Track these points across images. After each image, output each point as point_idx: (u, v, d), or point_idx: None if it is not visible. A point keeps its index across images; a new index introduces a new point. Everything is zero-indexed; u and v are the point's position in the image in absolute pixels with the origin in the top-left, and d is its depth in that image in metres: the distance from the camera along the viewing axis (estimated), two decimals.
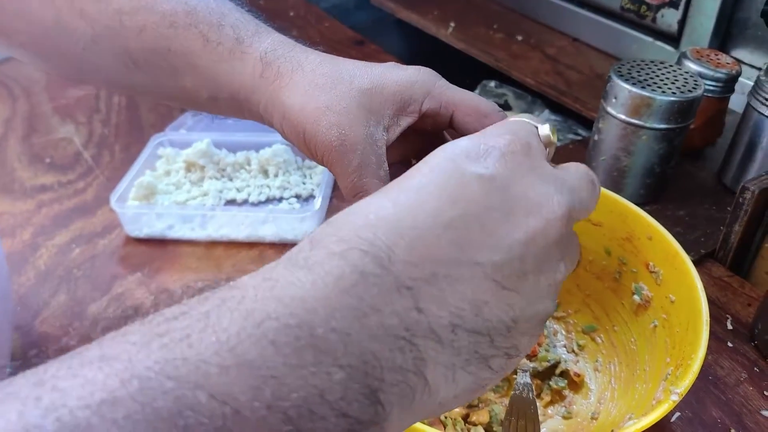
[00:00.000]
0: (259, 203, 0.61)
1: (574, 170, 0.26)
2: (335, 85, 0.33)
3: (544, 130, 0.27)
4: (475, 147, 0.24)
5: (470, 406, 0.43)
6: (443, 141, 0.37)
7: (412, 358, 0.21)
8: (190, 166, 0.62)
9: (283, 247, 0.57)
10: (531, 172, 0.24)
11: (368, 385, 0.20)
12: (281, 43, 0.35)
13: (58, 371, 0.17)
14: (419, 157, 0.37)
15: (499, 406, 0.42)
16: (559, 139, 0.73)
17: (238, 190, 0.61)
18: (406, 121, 0.34)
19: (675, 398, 0.33)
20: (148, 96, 0.39)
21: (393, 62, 0.35)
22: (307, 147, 0.33)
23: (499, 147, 0.24)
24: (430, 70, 0.35)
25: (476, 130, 0.33)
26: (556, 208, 0.23)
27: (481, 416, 0.41)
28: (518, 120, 0.27)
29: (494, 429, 0.41)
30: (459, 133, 0.34)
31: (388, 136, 0.33)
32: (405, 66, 0.35)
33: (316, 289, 0.20)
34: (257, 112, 0.35)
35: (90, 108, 0.78)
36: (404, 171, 0.35)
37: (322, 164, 0.33)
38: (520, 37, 0.88)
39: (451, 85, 0.35)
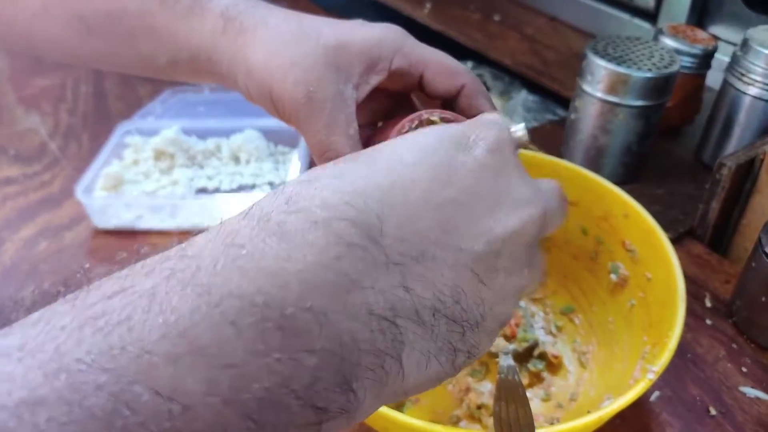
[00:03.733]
0: (231, 191, 0.59)
1: (547, 182, 0.27)
2: (301, 41, 0.31)
3: (520, 130, 0.27)
4: (464, 135, 0.23)
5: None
6: (411, 103, 0.36)
7: (391, 341, 0.19)
8: (159, 155, 0.61)
9: None
10: (515, 169, 0.24)
11: (342, 372, 0.18)
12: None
13: None
14: (386, 118, 0.36)
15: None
16: (536, 120, 0.72)
17: (209, 178, 0.60)
18: (375, 80, 0.32)
19: (651, 376, 0.32)
20: (103, 65, 0.37)
21: (360, 20, 0.34)
22: (273, 105, 0.32)
23: (487, 139, 0.24)
24: (399, 27, 0.34)
25: (446, 89, 0.33)
26: (534, 211, 0.24)
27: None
28: (496, 117, 0.27)
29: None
30: (428, 92, 0.34)
31: (357, 94, 0.32)
32: (373, 23, 0.33)
33: (293, 262, 0.17)
34: (219, 72, 0.33)
35: (56, 97, 0.76)
36: (371, 133, 0.34)
37: (289, 123, 0.32)
38: (497, 17, 0.87)
39: (420, 43, 0.33)
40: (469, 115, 0.33)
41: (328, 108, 0.31)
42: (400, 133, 0.32)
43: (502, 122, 0.26)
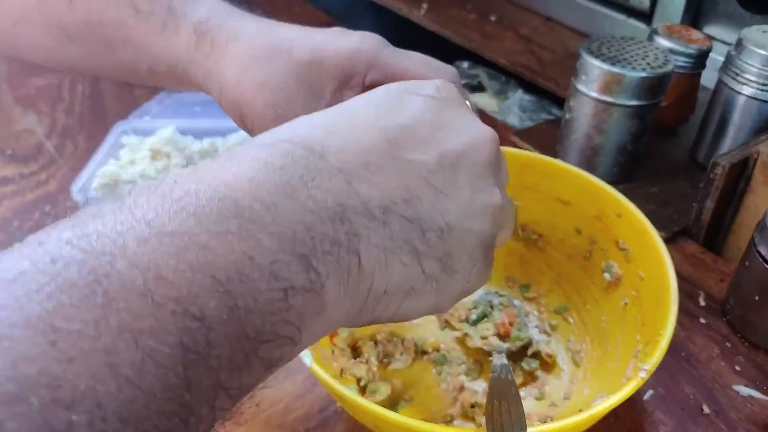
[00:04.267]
0: None
1: None
2: (272, 58, 0.31)
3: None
4: (414, 84, 0.26)
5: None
6: None
7: (344, 232, 0.21)
8: (155, 155, 0.61)
9: None
10: (462, 106, 0.26)
11: (300, 253, 0.19)
12: (216, 11, 0.33)
13: None
14: None
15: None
16: (532, 120, 0.72)
17: None
18: (349, 95, 0.32)
19: (643, 375, 0.32)
20: (86, 72, 0.38)
21: (338, 28, 0.33)
22: (244, 125, 0.32)
23: (436, 82, 0.26)
24: (376, 36, 0.33)
25: None
26: (487, 132, 0.26)
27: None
28: None
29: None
30: None
31: None
32: (349, 32, 0.33)
33: (243, 171, 0.19)
34: (197, 85, 0.33)
35: (53, 97, 0.76)
36: None
37: None
38: (493, 18, 0.87)
39: (398, 52, 0.33)
40: None
41: None
42: None
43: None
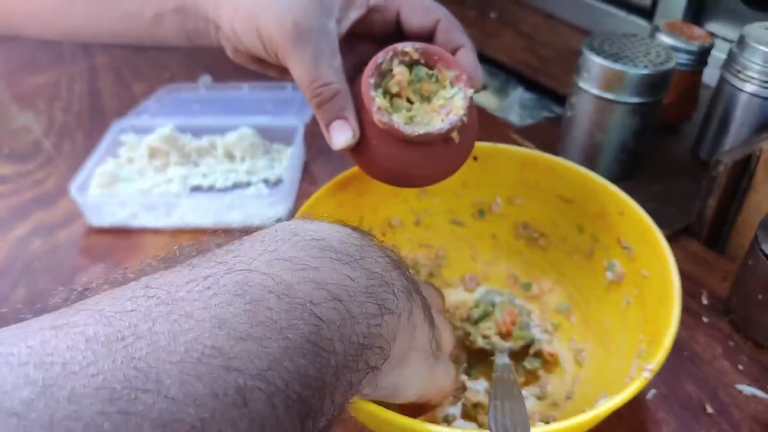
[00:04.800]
0: (226, 189, 0.59)
1: None
2: None
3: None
4: None
5: None
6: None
7: (407, 280, 0.26)
8: (153, 153, 0.60)
9: None
10: None
11: (386, 281, 0.24)
12: None
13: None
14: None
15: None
16: (532, 117, 0.72)
17: (204, 176, 0.59)
18: (354, 14, 0.34)
19: (647, 375, 0.32)
20: (85, 32, 0.37)
21: None
22: (260, 39, 0.33)
23: None
24: None
25: (421, 24, 0.36)
26: None
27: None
28: None
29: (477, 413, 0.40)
30: (406, 29, 0.36)
31: (339, 28, 0.34)
32: None
33: (329, 228, 0.24)
34: (204, 16, 0.34)
35: (50, 95, 0.76)
36: (356, 76, 0.35)
37: (276, 57, 0.33)
38: (493, 15, 0.87)
39: None
40: (447, 48, 0.35)
41: (314, 39, 0.32)
42: (376, 64, 0.32)
43: None
